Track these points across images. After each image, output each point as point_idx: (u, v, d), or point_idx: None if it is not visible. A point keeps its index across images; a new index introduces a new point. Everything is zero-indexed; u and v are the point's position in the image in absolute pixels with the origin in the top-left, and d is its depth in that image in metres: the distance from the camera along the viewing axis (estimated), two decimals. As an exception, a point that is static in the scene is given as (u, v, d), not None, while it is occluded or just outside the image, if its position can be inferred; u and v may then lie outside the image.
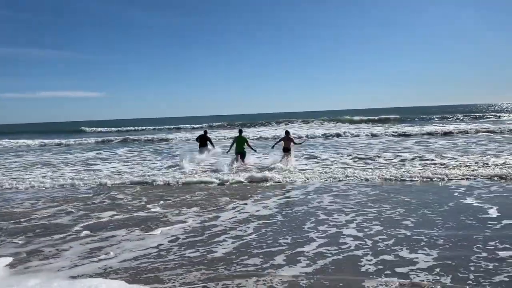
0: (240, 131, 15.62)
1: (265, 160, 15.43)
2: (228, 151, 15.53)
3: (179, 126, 57.02)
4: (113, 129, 58.06)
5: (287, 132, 15.22)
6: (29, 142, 33.31)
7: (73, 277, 4.94)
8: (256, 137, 30.01)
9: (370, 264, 4.99)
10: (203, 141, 16.67)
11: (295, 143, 14.99)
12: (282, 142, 14.80)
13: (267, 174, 12.00)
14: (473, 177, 10.54)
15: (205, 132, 17.10)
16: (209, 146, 16.65)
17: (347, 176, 11.46)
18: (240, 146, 14.94)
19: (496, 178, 10.37)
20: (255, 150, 15.97)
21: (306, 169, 13.23)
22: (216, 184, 11.43)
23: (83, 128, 61.00)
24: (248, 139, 15.46)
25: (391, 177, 11.04)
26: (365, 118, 45.91)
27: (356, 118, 46.60)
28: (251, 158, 15.54)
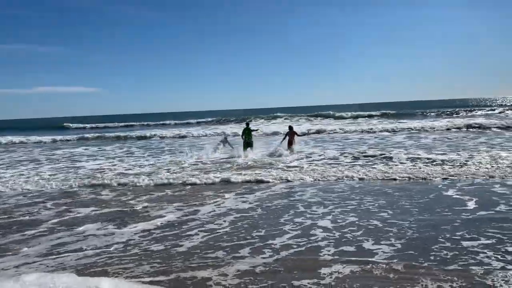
0: (247, 124, 17.54)
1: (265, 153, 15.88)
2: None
3: (166, 122, 56.05)
4: (103, 124, 56.76)
5: (290, 127, 16.91)
6: (10, 138, 32.93)
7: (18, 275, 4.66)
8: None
9: (328, 255, 5.01)
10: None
11: (298, 135, 16.95)
12: (287, 137, 16.45)
13: (256, 173, 11.89)
14: (460, 172, 10.33)
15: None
16: (226, 144, 17.72)
17: (334, 172, 11.42)
18: (248, 137, 16.68)
19: (482, 173, 10.15)
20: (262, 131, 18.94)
21: (295, 165, 13.19)
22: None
23: (66, 124, 57.98)
24: (251, 129, 17.35)
25: (379, 172, 10.98)
26: (360, 113, 45.74)
27: (349, 113, 46.32)
28: (251, 154, 15.82)
